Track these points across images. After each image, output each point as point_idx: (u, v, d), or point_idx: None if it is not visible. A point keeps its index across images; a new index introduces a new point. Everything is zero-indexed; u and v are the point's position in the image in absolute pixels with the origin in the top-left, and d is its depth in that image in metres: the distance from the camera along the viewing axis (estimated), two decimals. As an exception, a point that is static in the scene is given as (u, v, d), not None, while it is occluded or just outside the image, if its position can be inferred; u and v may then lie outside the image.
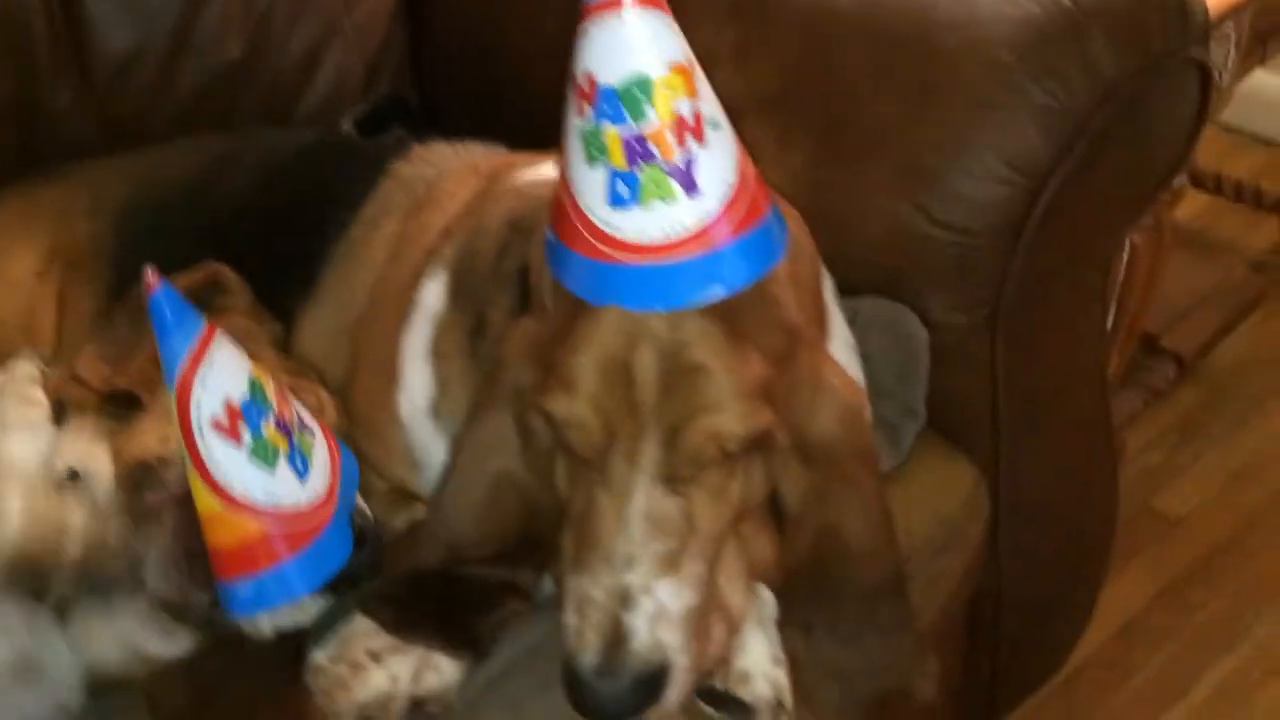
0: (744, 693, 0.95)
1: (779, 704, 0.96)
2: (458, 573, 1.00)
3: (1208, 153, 2.69)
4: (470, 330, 1.10)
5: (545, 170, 1.20)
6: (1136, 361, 2.15)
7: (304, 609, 1.00)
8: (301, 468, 0.98)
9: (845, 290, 1.14)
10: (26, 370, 1.16)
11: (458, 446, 1.00)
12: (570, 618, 0.86)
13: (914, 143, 1.18)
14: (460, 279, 1.14)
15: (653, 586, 0.83)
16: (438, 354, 1.11)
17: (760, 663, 0.96)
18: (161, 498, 0.99)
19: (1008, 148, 1.16)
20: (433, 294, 1.15)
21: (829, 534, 0.96)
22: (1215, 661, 1.83)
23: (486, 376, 1.00)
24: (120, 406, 1.10)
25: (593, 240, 0.83)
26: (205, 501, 0.94)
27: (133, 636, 1.01)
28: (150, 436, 1.06)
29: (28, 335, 1.34)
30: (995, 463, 1.24)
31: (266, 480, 0.95)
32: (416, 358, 1.13)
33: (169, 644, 1.01)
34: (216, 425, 0.93)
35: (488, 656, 1.00)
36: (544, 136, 1.38)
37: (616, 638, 0.82)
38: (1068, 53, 1.16)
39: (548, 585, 1.04)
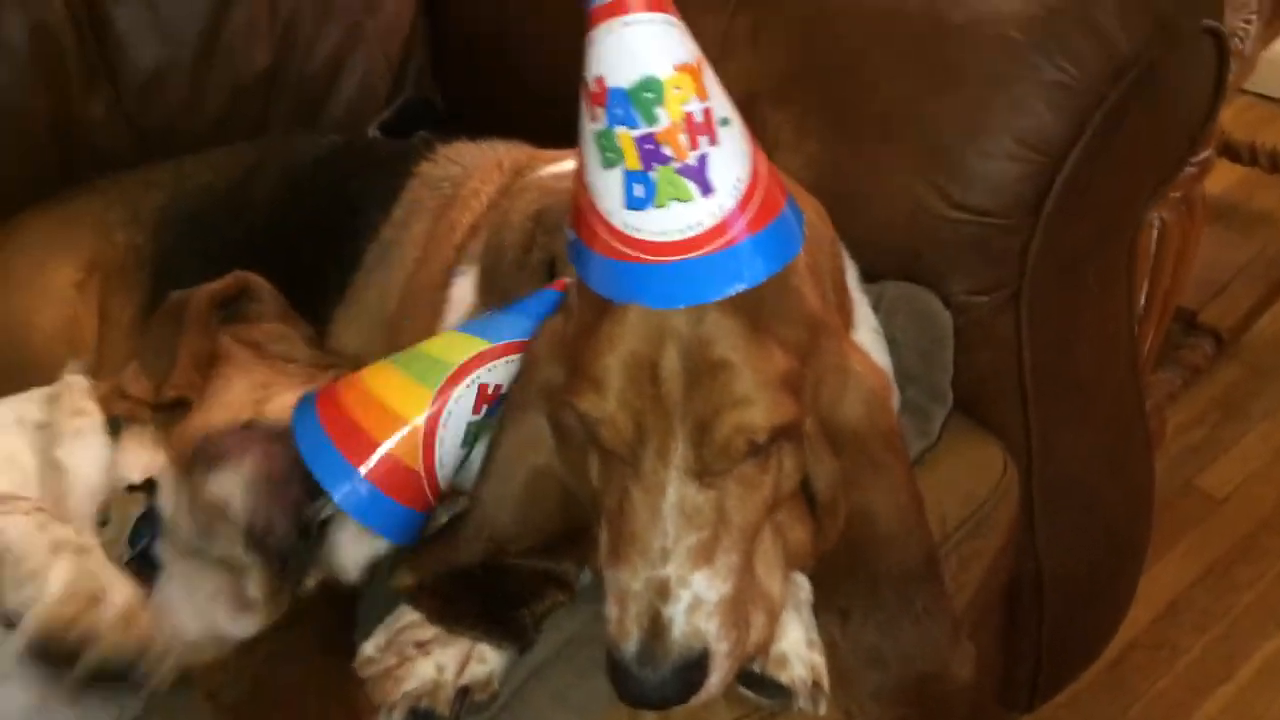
0: (782, 676, 0.96)
1: (816, 686, 0.97)
2: (499, 565, 1.02)
3: (1241, 123, 2.65)
4: (500, 323, 1.13)
5: (567, 165, 1.22)
6: (1174, 339, 2.13)
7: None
8: None
9: (866, 275, 1.15)
10: (78, 382, 1.19)
11: (495, 443, 1.02)
12: (611, 609, 0.88)
13: (928, 124, 1.19)
14: (489, 273, 1.16)
15: (689, 578, 0.85)
16: None
17: (797, 646, 0.97)
18: (244, 437, 1.01)
19: (1022, 126, 1.15)
20: (463, 289, 1.17)
21: (860, 519, 0.97)
22: (1262, 641, 1.82)
23: (519, 374, 1.02)
24: (171, 412, 1.13)
25: (613, 241, 0.84)
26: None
27: (210, 615, 1.04)
28: (211, 416, 1.08)
29: (70, 345, 1.37)
30: (1026, 444, 1.24)
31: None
32: (449, 353, 1.15)
33: (240, 623, 1.04)
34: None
35: (531, 646, 1.02)
36: (565, 131, 1.41)
37: (656, 628, 0.84)
38: (1078, 28, 1.16)
39: (586, 576, 1.07)
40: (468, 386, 0.99)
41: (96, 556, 0.96)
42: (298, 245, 1.36)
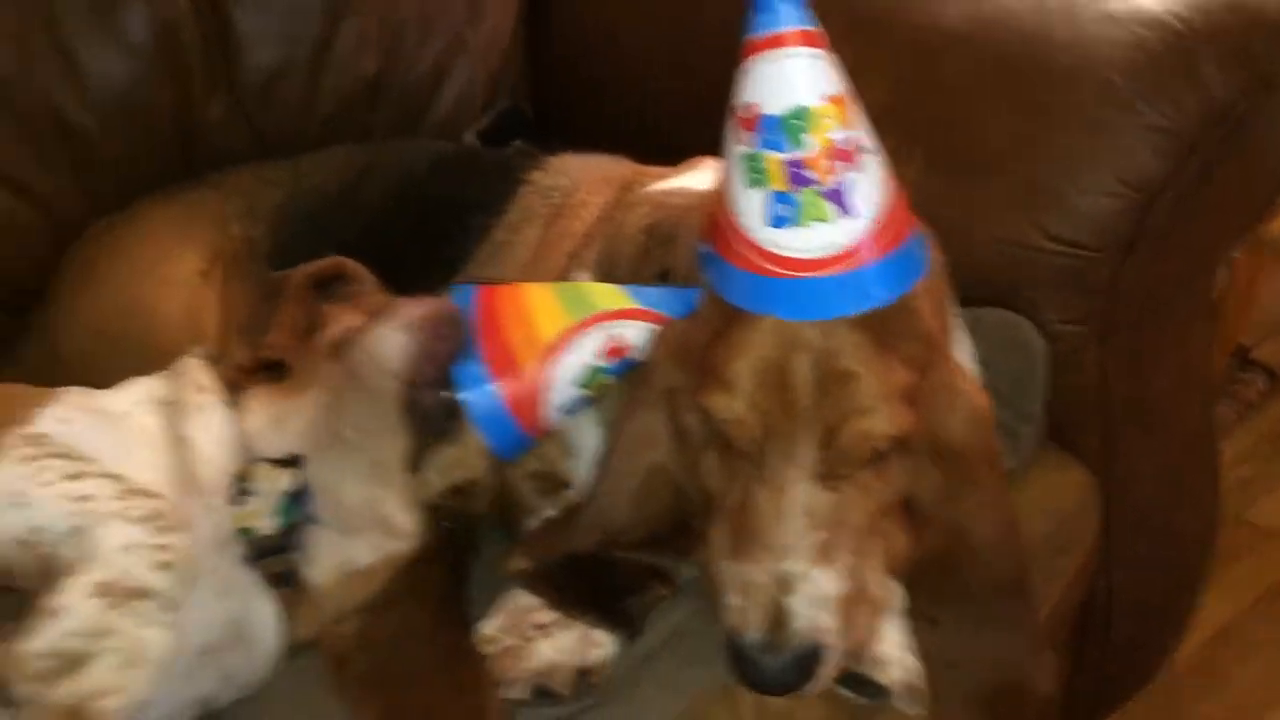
0: (881, 676, 1.02)
1: (913, 688, 1.03)
2: (608, 557, 1.08)
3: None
4: (615, 330, 1.19)
5: (674, 181, 1.29)
6: (1229, 374, 2.18)
7: None
8: None
9: (960, 300, 1.21)
10: (195, 361, 1.26)
11: (612, 439, 1.09)
12: (733, 599, 0.94)
13: (1029, 161, 1.25)
14: (602, 280, 1.23)
15: (810, 573, 0.91)
16: None
17: (895, 649, 1.03)
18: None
19: (1121, 166, 1.22)
20: None
21: (957, 532, 1.03)
22: (1311, 670, 1.87)
23: (636, 374, 1.08)
24: (273, 374, 1.19)
25: (751, 256, 0.91)
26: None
27: (349, 550, 1.10)
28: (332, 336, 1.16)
29: (192, 333, 1.43)
30: (1106, 469, 1.30)
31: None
32: (563, 355, 1.21)
33: (390, 544, 1.10)
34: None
35: (639, 635, 1.08)
36: (654, 146, 1.48)
37: (778, 618, 0.91)
38: (1178, 74, 1.22)
39: (688, 571, 1.13)
40: (601, 330, 1.06)
41: (150, 607, 0.95)
42: (407, 245, 1.43)
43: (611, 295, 1.09)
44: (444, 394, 1.06)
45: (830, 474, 0.92)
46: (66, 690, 0.88)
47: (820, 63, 0.87)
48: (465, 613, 1.14)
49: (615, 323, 1.06)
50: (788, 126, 0.86)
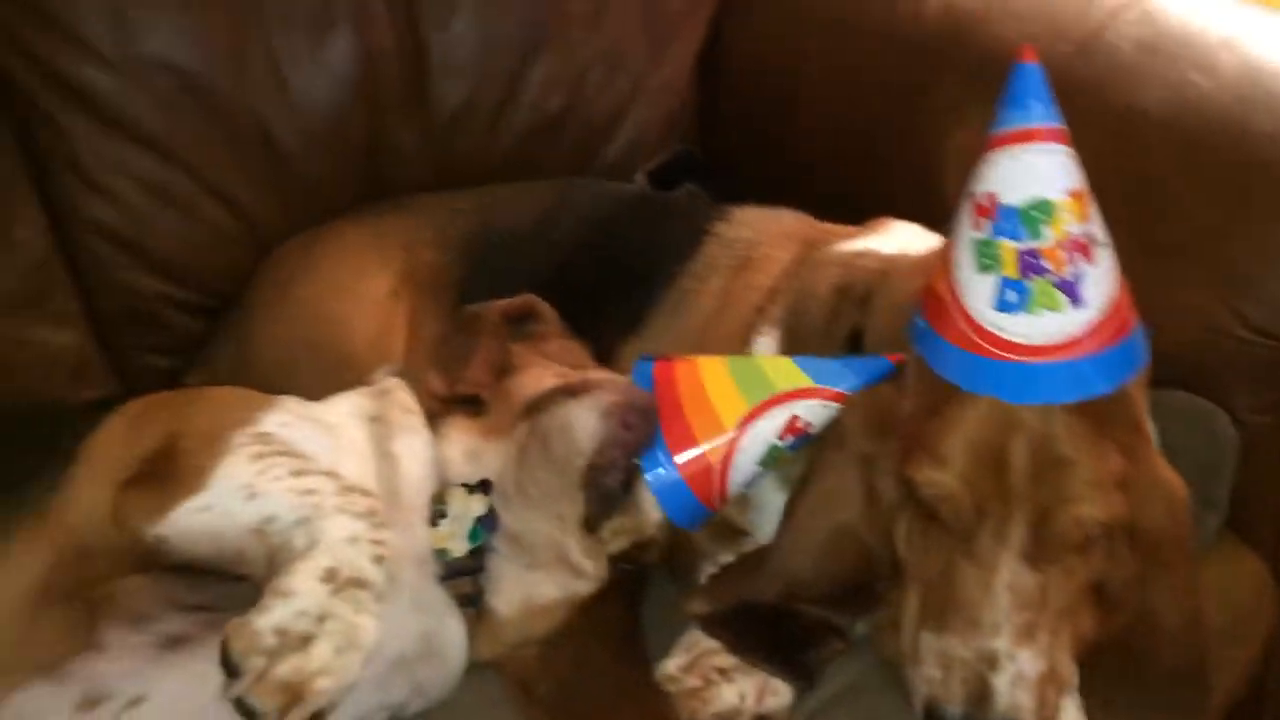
0: (1055, 753, 1.04)
1: (1085, 766, 1.05)
2: (788, 608, 1.12)
3: None
4: (802, 387, 1.23)
5: (861, 243, 1.32)
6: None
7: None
8: None
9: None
10: (401, 384, 1.33)
11: (799, 496, 1.13)
12: (933, 671, 0.97)
13: (1228, 248, 1.26)
14: (790, 337, 1.27)
15: (1015, 653, 0.94)
16: None
17: (1071, 728, 1.05)
18: (603, 380, 1.12)
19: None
20: (765, 348, 1.28)
21: (1144, 616, 1.05)
22: None
23: (832, 437, 1.11)
24: (464, 406, 1.25)
25: (974, 337, 0.94)
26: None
27: (533, 585, 1.16)
28: (516, 399, 1.21)
29: (381, 352, 1.51)
30: (1280, 562, 1.29)
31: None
32: (750, 407, 1.25)
33: (572, 585, 1.15)
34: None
35: (813, 688, 1.12)
36: (824, 199, 1.52)
37: (981, 695, 0.94)
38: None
39: (861, 628, 1.16)
40: (782, 411, 1.11)
41: (365, 596, 1.00)
42: (595, 284, 1.48)
43: (788, 372, 1.13)
44: (624, 476, 1.11)
45: (1038, 556, 0.95)
46: (290, 666, 0.93)
47: (1066, 159, 0.90)
48: (643, 649, 1.19)
49: (793, 403, 1.11)
50: (1027, 218, 0.89)
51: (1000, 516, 0.94)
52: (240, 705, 0.93)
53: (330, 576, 0.98)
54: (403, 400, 1.30)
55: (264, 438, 1.12)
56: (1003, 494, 0.94)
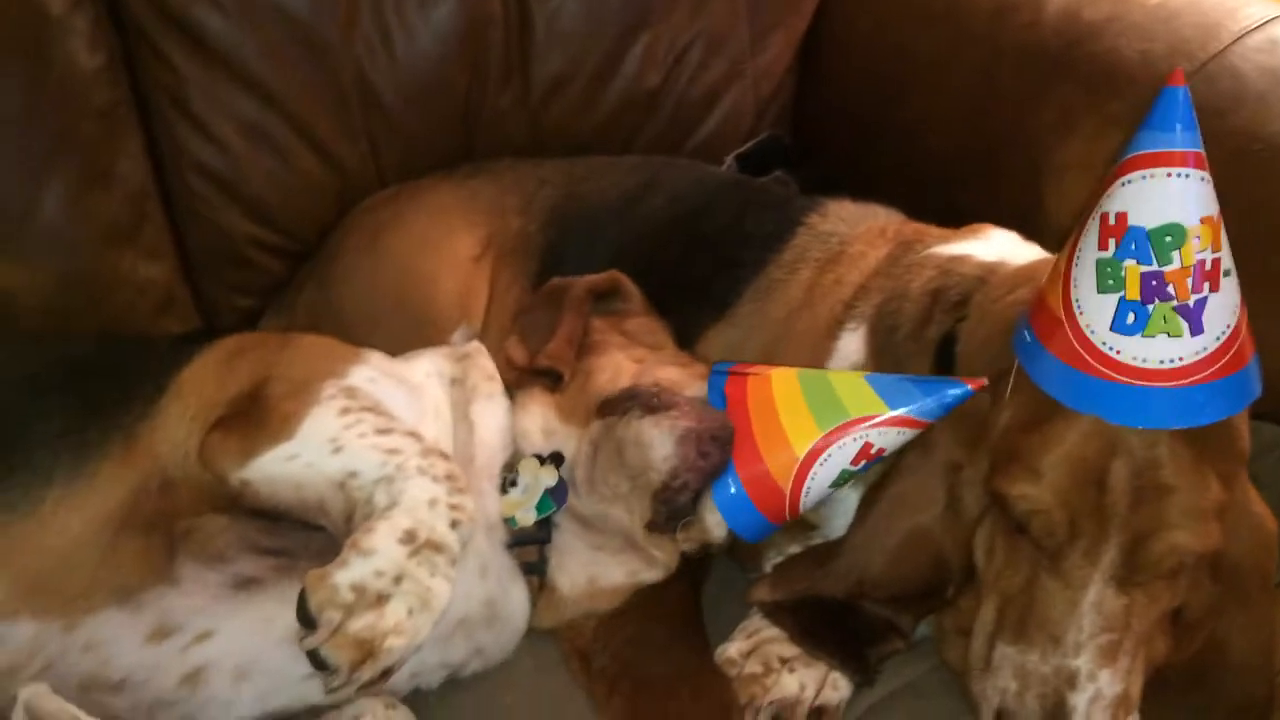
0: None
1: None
2: (851, 604, 1.12)
3: None
4: (888, 387, 1.22)
5: (958, 247, 1.30)
6: None
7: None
8: None
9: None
10: (481, 349, 1.34)
11: (876, 496, 1.12)
12: (1008, 682, 0.97)
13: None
14: (879, 337, 1.26)
15: (1097, 673, 0.93)
16: None
17: (1134, 752, 1.04)
18: (685, 400, 1.12)
19: None
20: (851, 345, 1.27)
21: (1216, 646, 1.04)
22: None
23: (920, 442, 1.11)
24: (543, 379, 1.26)
25: (1086, 355, 0.93)
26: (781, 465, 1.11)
27: (599, 566, 1.17)
28: (596, 380, 1.23)
29: (463, 312, 1.53)
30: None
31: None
32: (833, 402, 1.25)
33: (642, 573, 1.17)
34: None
35: (872, 685, 1.12)
36: (915, 196, 1.50)
37: (1059, 712, 0.94)
38: None
39: (921, 630, 1.16)
40: (854, 440, 1.10)
41: (441, 560, 1.01)
42: (681, 264, 1.48)
43: (861, 394, 1.11)
44: (695, 496, 1.11)
45: (1127, 579, 0.94)
46: (364, 623, 0.95)
47: (1204, 185, 0.88)
48: (703, 630, 1.19)
49: (867, 430, 1.09)
50: (1158, 241, 0.88)
51: (1094, 537, 0.94)
52: (314, 657, 0.95)
53: (409, 538, 1.00)
54: (484, 366, 1.31)
55: (351, 392, 1.14)
56: (1099, 515, 0.93)
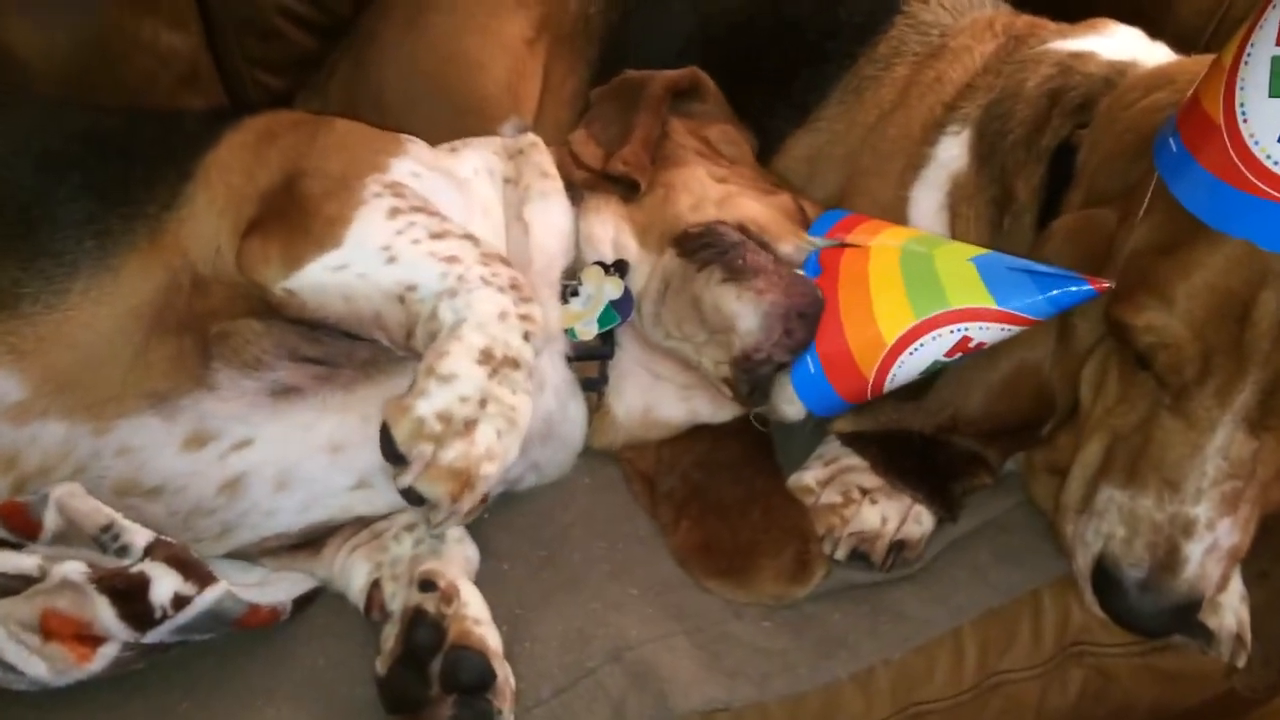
0: (1211, 621, 0.97)
1: (1239, 639, 0.98)
2: (940, 438, 1.04)
3: None
4: (994, 199, 1.10)
5: (1080, 42, 1.15)
6: None
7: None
8: None
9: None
10: (539, 143, 1.21)
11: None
12: (1115, 528, 0.89)
13: None
14: (986, 142, 1.13)
15: (1216, 522, 0.85)
16: (954, 214, 1.12)
17: (1232, 598, 0.98)
18: (777, 269, 1.02)
19: None
20: (952, 151, 1.14)
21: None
22: None
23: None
24: (617, 185, 1.15)
25: (1244, 168, 0.80)
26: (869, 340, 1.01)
27: (658, 395, 1.10)
28: (677, 202, 1.12)
29: (513, 100, 1.39)
30: None
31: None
32: (928, 213, 1.13)
33: (693, 413, 1.10)
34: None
35: (955, 520, 1.05)
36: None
37: (1171, 562, 0.86)
38: None
39: (1009, 465, 1.08)
40: (952, 332, 0.98)
41: (519, 376, 0.94)
42: (761, 56, 1.33)
43: (967, 283, 0.98)
44: (774, 370, 1.02)
45: (1259, 423, 0.85)
46: (458, 452, 0.89)
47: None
48: (774, 454, 1.12)
49: (968, 324, 0.97)
50: (1351, 35, 0.74)
51: (1228, 375, 0.84)
52: (410, 494, 0.89)
53: (486, 357, 0.92)
54: (541, 163, 1.19)
55: (397, 188, 1.03)
56: (1237, 351, 0.83)
